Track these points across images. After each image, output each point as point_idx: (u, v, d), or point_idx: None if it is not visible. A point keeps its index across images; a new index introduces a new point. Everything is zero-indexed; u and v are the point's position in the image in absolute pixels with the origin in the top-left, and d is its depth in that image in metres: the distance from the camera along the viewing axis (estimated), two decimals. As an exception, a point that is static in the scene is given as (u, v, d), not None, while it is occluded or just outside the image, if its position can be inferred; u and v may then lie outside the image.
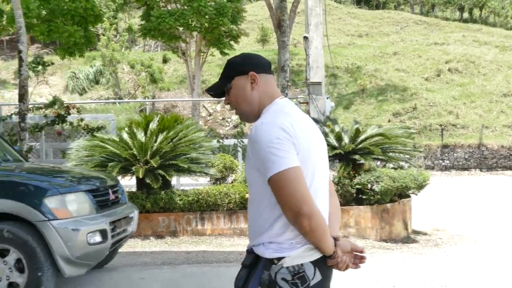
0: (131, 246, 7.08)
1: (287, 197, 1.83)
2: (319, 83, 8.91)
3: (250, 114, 2.06)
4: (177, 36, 16.41)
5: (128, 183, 8.45)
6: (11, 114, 9.09)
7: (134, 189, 8.07)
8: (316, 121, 8.62)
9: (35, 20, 14.59)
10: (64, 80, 24.09)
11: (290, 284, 1.88)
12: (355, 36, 34.28)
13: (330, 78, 21.96)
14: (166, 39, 16.10)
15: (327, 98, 9.12)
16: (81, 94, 23.45)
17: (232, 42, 16.86)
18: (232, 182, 8.49)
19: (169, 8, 16.37)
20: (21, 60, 8.09)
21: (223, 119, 21.20)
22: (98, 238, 4.67)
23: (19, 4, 8.17)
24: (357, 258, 2.09)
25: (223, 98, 2.14)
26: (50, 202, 4.46)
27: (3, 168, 5.26)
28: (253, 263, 1.94)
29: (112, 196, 5.26)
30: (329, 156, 7.71)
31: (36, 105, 9.46)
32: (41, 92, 22.25)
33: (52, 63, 10.20)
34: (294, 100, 17.34)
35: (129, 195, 6.71)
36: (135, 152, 7.49)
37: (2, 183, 4.71)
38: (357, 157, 7.73)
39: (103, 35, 23.88)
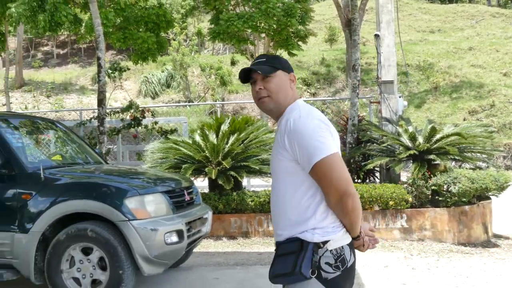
0: (204, 246, 7.22)
1: (335, 179, 2.00)
2: (391, 82, 8.68)
3: (279, 107, 2.21)
4: (245, 38, 16.56)
5: (201, 184, 8.62)
6: (91, 119, 9.53)
7: (206, 190, 8.23)
8: (388, 120, 8.42)
9: (110, 28, 15.20)
10: (137, 84, 24.95)
11: (333, 267, 2.04)
12: (426, 32, 33.21)
13: (401, 76, 21.40)
14: (234, 42, 16.28)
15: (400, 97, 8.88)
16: (153, 98, 24.20)
17: (300, 43, 16.81)
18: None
19: (238, 11, 16.56)
20: (99, 66, 8.46)
21: (291, 120, 21.15)
22: (175, 238, 4.80)
23: (97, 13, 8.55)
24: (372, 239, 2.26)
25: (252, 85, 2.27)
26: (130, 203, 4.63)
27: (86, 170, 5.52)
28: (299, 249, 2.04)
29: (187, 197, 5.40)
30: (403, 157, 7.50)
31: (114, 110, 9.86)
32: (116, 97, 23.14)
33: (128, 69, 10.59)
34: (364, 100, 17.06)
35: (202, 196, 6.84)
36: (208, 154, 7.63)
37: (86, 184, 4.95)
38: (432, 157, 7.47)
39: (174, 40, 24.54)
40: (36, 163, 5.10)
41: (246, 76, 2.26)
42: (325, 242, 2.03)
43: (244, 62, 24.70)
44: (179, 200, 5.22)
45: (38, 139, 5.87)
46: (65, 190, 4.81)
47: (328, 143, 2.03)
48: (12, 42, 26.31)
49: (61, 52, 34.67)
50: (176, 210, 5.03)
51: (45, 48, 35.69)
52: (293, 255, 2.04)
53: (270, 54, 2.38)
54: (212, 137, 7.90)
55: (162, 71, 24.91)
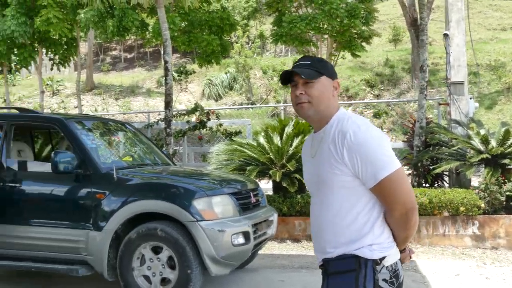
0: (268, 248, 7.23)
1: (404, 195, 1.95)
2: (461, 83, 8.37)
3: (319, 115, 2.09)
4: (308, 40, 16.49)
5: (265, 186, 8.65)
6: (158, 121, 9.78)
7: (270, 192, 8.25)
8: (458, 123, 8.12)
9: (176, 32, 15.56)
10: (201, 87, 25.40)
11: (389, 283, 2.00)
12: (497, 30, 31.81)
13: (470, 77, 20.62)
14: (297, 43, 16.24)
15: (470, 99, 8.55)
16: (216, 100, 24.56)
17: (363, 44, 16.54)
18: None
19: (300, 12, 16.51)
20: (166, 69, 8.67)
21: (354, 122, 20.87)
22: (241, 239, 4.83)
23: (164, 18, 8.77)
24: (411, 250, 2.21)
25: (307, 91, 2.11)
26: (198, 204, 4.71)
27: (155, 171, 5.67)
28: (357, 267, 1.97)
29: (253, 199, 5.43)
30: (474, 161, 7.21)
31: (180, 112, 10.07)
32: (180, 99, 23.65)
33: (194, 72, 10.81)
34: (431, 101, 16.54)
35: (266, 199, 6.86)
36: (272, 156, 7.65)
37: (155, 185, 5.08)
38: (506, 161, 7.14)
39: (236, 42, 24.81)
40: (109, 163, 5.29)
41: (287, 77, 2.13)
42: (382, 259, 1.99)
43: (306, 64, 24.55)
44: (245, 202, 5.25)
45: (110, 140, 6.08)
46: (136, 190, 4.95)
47: (394, 156, 1.97)
48: (83, 47, 27.45)
49: (128, 56, 35.87)
50: (242, 211, 5.07)
51: (114, 53, 37.05)
52: (352, 273, 1.97)
53: (315, 56, 2.26)
54: (277, 139, 7.91)
55: (225, 73, 25.24)
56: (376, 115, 19.68)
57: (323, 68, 2.09)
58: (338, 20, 14.42)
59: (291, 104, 2.23)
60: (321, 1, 14.17)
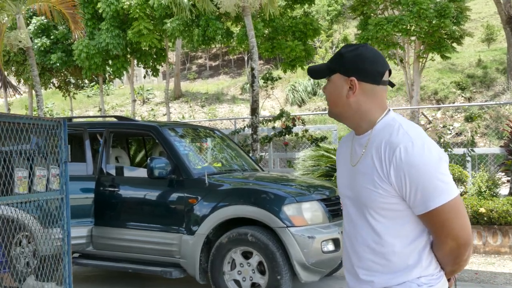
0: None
1: (458, 229, 1.64)
2: None
3: (342, 118, 1.82)
4: (395, 43, 16.08)
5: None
6: (244, 127, 9.93)
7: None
8: None
9: (259, 39, 15.77)
10: (284, 93, 25.52)
11: None
12: None
13: None
14: (383, 47, 15.88)
15: None
16: (300, 106, 24.56)
17: (454, 44, 15.87)
18: (462, 195, 7.93)
19: (386, 15, 16.15)
20: (253, 76, 8.79)
21: (443, 126, 20.06)
22: (331, 246, 4.77)
23: (251, 26, 8.91)
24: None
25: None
26: (288, 210, 4.71)
27: (244, 176, 5.74)
28: None
29: (342, 206, 5.34)
30: None
31: (266, 118, 10.17)
32: (264, 106, 23.91)
33: (280, 78, 10.87)
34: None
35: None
36: (360, 162, 7.50)
37: (245, 190, 5.14)
38: None
39: (320, 47, 24.71)
40: (200, 169, 5.43)
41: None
42: None
43: (392, 68, 23.99)
44: (335, 208, 5.18)
45: (201, 146, 6.25)
46: (226, 195, 5.04)
47: (451, 182, 1.64)
48: (171, 57, 28.52)
49: (213, 64, 36.80)
50: (332, 218, 5.01)
51: (199, 61, 38.19)
52: None
53: (341, 50, 1.81)
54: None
55: (309, 79, 25.19)
56: (468, 119, 18.79)
57: (336, 63, 1.78)
58: (427, 20, 13.95)
59: None
60: (410, 1, 13.76)
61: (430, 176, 1.61)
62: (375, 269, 1.73)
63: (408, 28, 14.51)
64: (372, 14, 16.11)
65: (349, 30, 29.77)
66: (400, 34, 15.08)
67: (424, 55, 16.48)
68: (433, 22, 14.03)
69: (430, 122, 20.35)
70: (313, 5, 19.16)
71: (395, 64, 18.51)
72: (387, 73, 1.77)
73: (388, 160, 1.64)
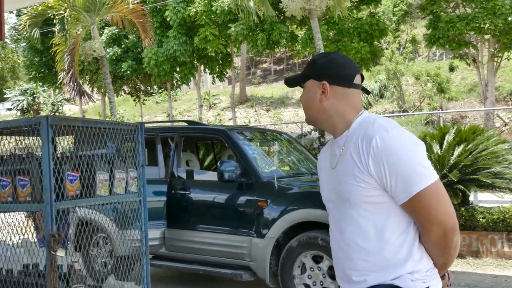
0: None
1: (442, 212, 1.61)
2: None
3: (318, 122, 1.85)
4: (467, 42, 15.49)
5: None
6: (311, 130, 9.89)
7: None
8: None
9: (324, 42, 15.69)
10: (350, 96, 25.22)
11: None
12: None
13: None
14: (454, 46, 15.36)
15: None
16: (366, 109, 24.17)
17: (533, 42, 15.09)
18: (543, 199, 7.50)
19: (457, 13, 15.60)
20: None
21: (520, 128, 19.06)
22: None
23: (318, 28, 8.87)
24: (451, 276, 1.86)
25: None
26: (358, 214, 4.63)
27: (313, 180, 5.70)
28: None
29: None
30: None
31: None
32: (329, 109, 23.76)
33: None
34: None
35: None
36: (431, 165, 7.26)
37: (314, 194, 5.09)
38: None
39: (387, 49, 24.21)
40: (269, 172, 5.45)
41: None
42: None
43: (464, 68, 23.14)
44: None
45: (269, 150, 6.27)
46: (295, 199, 5.03)
47: (430, 167, 1.62)
48: (237, 62, 28.88)
49: (278, 68, 36.95)
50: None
51: (264, 65, 38.46)
52: None
53: (315, 57, 1.89)
54: (436, 148, 7.50)
55: (375, 81, 24.75)
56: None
57: (309, 70, 1.85)
58: (502, 18, 13.34)
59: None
60: (483, -1, 13.24)
61: (408, 162, 1.60)
62: (367, 268, 1.70)
63: (482, 26, 13.94)
64: (442, 13, 15.61)
65: (417, 30, 29.01)
66: (473, 32, 14.52)
67: (499, 54, 15.77)
68: (509, 19, 13.39)
69: (506, 124, 19.41)
70: (379, 5, 18.83)
71: (467, 64, 17.83)
72: (358, 77, 1.82)
73: (366, 151, 1.65)
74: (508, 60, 17.30)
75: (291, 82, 1.93)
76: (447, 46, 15.67)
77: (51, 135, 2.43)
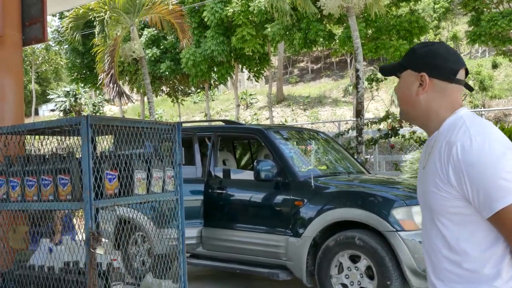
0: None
1: None
2: None
3: (411, 117, 1.72)
4: (510, 38, 15.04)
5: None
6: (349, 129, 9.79)
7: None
8: None
9: (362, 39, 15.50)
10: (389, 94, 24.84)
11: None
12: None
13: None
14: (497, 43, 14.94)
15: None
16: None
17: None
18: None
19: (501, 9, 15.16)
20: (358, 78, 8.65)
21: None
22: (444, 253, 4.54)
23: (356, 26, 8.78)
24: None
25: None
26: (398, 213, 4.56)
27: (350, 179, 5.65)
28: None
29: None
30: None
31: (371, 120, 9.96)
32: (368, 108, 23.44)
33: (385, 79, 10.61)
34: None
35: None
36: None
37: (352, 193, 5.05)
38: None
39: (427, 46, 23.75)
40: (306, 172, 5.42)
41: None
42: None
43: (508, 65, 22.46)
44: (447, 212, 4.93)
45: (305, 149, 6.24)
46: (332, 198, 4.99)
47: None
48: (274, 62, 28.89)
49: (315, 67, 36.76)
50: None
51: (301, 65, 38.33)
52: None
53: (415, 46, 1.73)
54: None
55: (415, 79, 24.34)
56: None
57: (409, 60, 1.69)
58: (548, 12, 12.89)
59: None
60: (527, -7, 12.82)
61: (491, 175, 1.45)
62: (451, 279, 1.60)
63: (526, 21, 13.51)
64: (485, 9, 15.20)
65: (459, 27, 28.34)
66: (517, 28, 14.09)
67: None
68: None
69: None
70: (419, 2, 18.48)
71: (510, 61, 17.30)
72: (462, 71, 1.66)
73: (446, 160, 1.53)
74: (555, 56, 16.71)
75: (386, 71, 1.82)
76: (489, 43, 15.26)
77: (90, 135, 2.48)
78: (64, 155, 2.63)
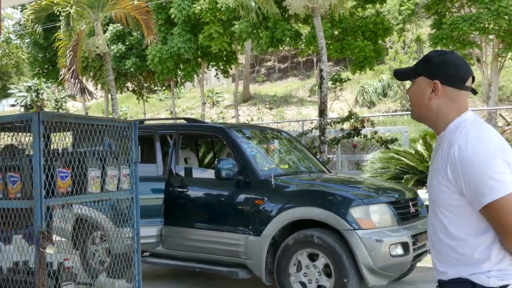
0: (428, 261, 6.85)
1: None
2: None
3: (421, 118, 1.95)
4: (471, 42, 15.44)
5: (424, 196, 8.23)
6: (312, 129, 9.88)
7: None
8: None
9: (328, 40, 15.63)
10: (353, 95, 25.16)
11: None
12: None
13: None
14: (458, 46, 15.30)
15: None
16: (369, 108, 24.12)
17: (537, 42, 15.01)
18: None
19: (462, 13, 15.54)
20: (322, 78, 8.73)
21: (524, 128, 18.98)
22: (400, 250, 4.65)
23: (320, 27, 8.86)
24: None
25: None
26: (355, 212, 4.63)
27: (311, 178, 5.70)
28: None
29: (412, 209, 5.19)
30: None
31: (334, 120, 10.07)
32: (332, 108, 23.67)
33: (349, 79, 10.75)
34: None
35: (426, 209, 6.51)
36: (432, 165, 7.26)
37: (312, 192, 5.10)
38: None
39: (391, 48, 24.16)
40: (267, 170, 5.45)
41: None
42: (503, 287, 1.75)
43: (468, 67, 23.03)
44: (404, 211, 5.04)
45: (267, 148, 6.27)
46: (293, 197, 5.02)
47: (504, 179, 1.69)
48: (241, 60, 28.88)
49: (282, 66, 36.89)
50: (401, 221, 4.87)
51: (268, 64, 38.41)
52: None
53: (428, 54, 1.94)
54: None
55: (379, 81, 24.68)
56: (552, 121, 17.69)
57: (422, 67, 1.90)
58: (507, 18, 13.28)
59: None
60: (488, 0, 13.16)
61: (480, 173, 1.69)
62: (448, 261, 1.84)
63: (486, 26, 13.88)
64: (448, 13, 15.56)
65: (423, 30, 28.90)
66: (477, 32, 14.46)
67: (503, 54, 15.71)
68: (513, 19, 13.35)
69: (508, 124, 19.34)
70: (384, 4, 18.77)
71: (471, 64, 17.76)
72: (470, 79, 1.87)
73: (446, 158, 1.77)
74: (512, 60, 17.24)
75: (401, 76, 2.01)
76: (451, 46, 15.61)
77: (42, 131, 2.43)
78: (14, 151, 2.57)
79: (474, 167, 1.70)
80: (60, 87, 30.30)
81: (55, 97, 33.18)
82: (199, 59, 19.98)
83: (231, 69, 21.89)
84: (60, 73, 15.14)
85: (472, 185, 1.71)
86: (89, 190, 2.68)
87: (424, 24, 29.28)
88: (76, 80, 13.42)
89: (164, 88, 27.33)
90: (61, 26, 14.23)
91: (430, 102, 1.87)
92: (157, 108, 30.06)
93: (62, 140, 2.96)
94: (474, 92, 1.94)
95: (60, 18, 15.68)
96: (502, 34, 14.17)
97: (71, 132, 2.90)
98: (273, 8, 10.73)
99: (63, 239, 4.84)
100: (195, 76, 20.78)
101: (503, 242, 1.74)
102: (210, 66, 20.93)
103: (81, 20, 14.26)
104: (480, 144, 1.72)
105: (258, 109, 26.22)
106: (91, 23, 14.02)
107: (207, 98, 27.40)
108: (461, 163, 1.72)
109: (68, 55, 13.40)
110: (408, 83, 2.05)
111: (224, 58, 20.35)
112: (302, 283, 4.83)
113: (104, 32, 19.66)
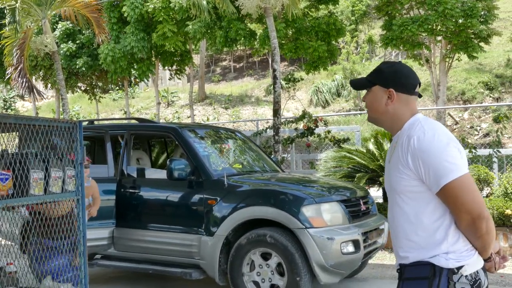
0: (379, 258, 7.01)
1: (467, 203, 1.89)
2: None
3: (378, 122, 2.17)
4: (420, 43, 15.86)
5: (375, 194, 8.41)
6: (266, 128, 9.91)
7: (380, 200, 8.00)
8: None
9: (283, 40, 15.71)
10: (308, 94, 25.43)
11: None
12: None
13: None
14: (408, 47, 15.69)
15: None
16: (324, 107, 24.43)
17: (481, 44, 15.57)
18: (488, 196, 7.76)
19: (411, 15, 15.95)
20: (275, 78, 8.77)
21: (471, 127, 19.69)
22: (351, 248, 4.72)
23: (273, 27, 8.90)
24: (502, 259, 2.11)
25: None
26: (307, 211, 4.68)
27: (264, 178, 5.72)
28: (432, 275, 1.95)
29: (363, 207, 5.28)
30: None
31: (288, 119, 10.13)
32: (288, 107, 23.85)
33: (302, 79, 10.84)
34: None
35: (376, 207, 6.65)
36: (382, 163, 7.41)
37: (264, 191, 5.12)
38: None
39: (344, 48, 24.54)
40: (220, 170, 5.43)
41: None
42: (459, 268, 1.94)
43: (418, 68, 23.69)
44: (355, 209, 5.13)
45: (221, 148, 6.25)
46: (245, 196, 5.03)
47: (458, 163, 1.93)
48: (196, 60, 28.69)
49: (238, 66, 36.90)
50: (352, 219, 4.95)
51: (224, 63, 38.34)
52: (424, 281, 1.96)
53: (380, 65, 2.19)
54: (387, 146, 7.66)
55: (333, 81, 25.04)
56: (496, 120, 18.40)
57: (375, 77, 2.13)
58: (453, 20, 13.72)
59: None
60: (434, 2, 13.55)
61: (437, 158, 1.91)
62: (410, 246, 2.01)
63: (434, 28, 14.31)
64: (397, 14, 15.93)
65: (375, 31, 29.51)
66: (425, 34, 14.87)
67: (451, 55, 16.22)
68: (460, 21, 13.79)
69: (457, 123, 20.01)
70: (337, 5, 19.02)
71: (420, 65, 18.26)
72: (417, 85, 2.14)
73: (406, 149, 1.98)
74: (459, 61, 17.81)
75: (358, 86, 2.23)
76: (401, 47, 16.00)
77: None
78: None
79: (432, 153, 1.92)
80: (8, 87, 29.29)
81: (3, 97, 32.05)
82: (153, 59, 19.71)
83: (185, 70, 21.69)
84: (7, 72, 14.60)
85: (431, 170, 1.92)
86: (32, 192, 2.59)
87: (376, 25, 29.91)
88: (24, 79, 12.97)
89: (117, 88, 26.84)
90: (6, 22, 13.65)
91: (387, 107, 2.10)
92: (110, 108, 29.49)
93: (4, 142, 2.86)
94: (420, 96, 2.18)
95: (5, 13, 15.08)
96: (449, 35, 14.63)
97: (17, 134, 2.80)
98: (230, 7, 10.70)
99: (9, 243, 4.68)
100: (149, 75, 20.49)
101: (458, 223, 1.95)
102: (164, 66, 20.66)
103: (28, 18, 13.79)
104: (436, 135, 1.96)
105: (214, 108, 26.13)
106: (39, 21, 13.59)
107: (162, 97, 27.08)
108: (420, 151, 1.94)
109: (15, 53, 12.94)
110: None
111: (179, 58, 20.15)
112: (256, 283, 4.85)
113: (53, 30, 19.11)
